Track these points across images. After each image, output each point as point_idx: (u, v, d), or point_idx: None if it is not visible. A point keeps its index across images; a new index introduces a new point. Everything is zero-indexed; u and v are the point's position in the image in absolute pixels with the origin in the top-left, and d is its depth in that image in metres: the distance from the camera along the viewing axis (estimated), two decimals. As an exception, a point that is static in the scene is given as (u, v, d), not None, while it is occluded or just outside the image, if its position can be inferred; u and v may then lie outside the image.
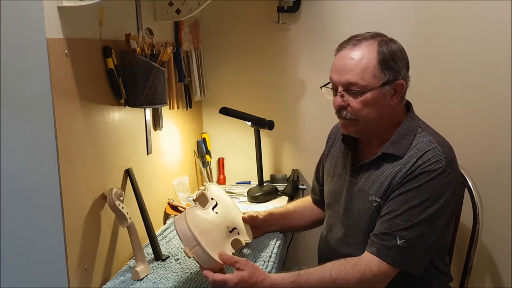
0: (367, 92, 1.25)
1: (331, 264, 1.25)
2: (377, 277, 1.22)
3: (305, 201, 1.68)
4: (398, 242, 1.21)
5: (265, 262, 1.43)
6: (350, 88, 1.26)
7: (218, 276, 1.19)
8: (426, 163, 1.22)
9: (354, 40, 1.28)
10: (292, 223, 1.62)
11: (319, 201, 1.60)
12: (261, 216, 1.55)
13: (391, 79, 1.25)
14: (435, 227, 1.23)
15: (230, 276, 1.19)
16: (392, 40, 1.29)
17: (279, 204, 1.94)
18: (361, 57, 1.25)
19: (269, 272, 1.37)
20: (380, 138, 1.33)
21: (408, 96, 1.35)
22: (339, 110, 1.30)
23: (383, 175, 1.28)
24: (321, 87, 1.36)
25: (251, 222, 1.50)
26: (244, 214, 1.50)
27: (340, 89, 1.28)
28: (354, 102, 1.27)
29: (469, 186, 1.61)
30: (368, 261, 1.24)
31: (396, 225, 1.22)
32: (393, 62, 1.25)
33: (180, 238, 1.21)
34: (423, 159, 1.23)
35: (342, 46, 1.30)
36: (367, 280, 1.22)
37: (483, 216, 1.59)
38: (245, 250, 1.51)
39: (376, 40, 1.26)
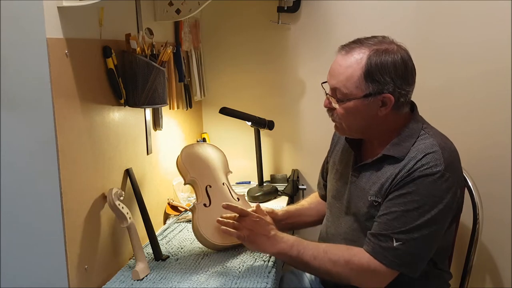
0: (348, 100, 1.27)
1: (335, 247, 1.32)
2: (365, 270, 1.24)
3: (317, 196, 1.69)
4: (394, 244, 1.21)
5: (265, 262, 1.43)
6: (335, 92, 1.30)
7: (246, 211, 1.38)
8: (424, 166, 1.22)
9: (347, 48, 1.28)
10: (308, 220, 1.63)
11: (324, 196, 1.61)
12: (280, 213, 1.56)
13: (375, 92, 1.24)
14: (434, 231, 1.22)
15: (254, 214, 1.37)
16: (390, 51, 1.25)
17: (279, 204, 1.94)
18: (348, 65, 1.25)
19: (269, 272, 1.37)
20: (381, 140, 1.33)
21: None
22: (328, 111, 1.35)
23: (384, 176, 1.29)
24: (322, 84, 1.38)
25: (271, 217, 1.49)
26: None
27: (328, 91, 1.33)
28: (338, 107, 1.30)
29: (469, 186, 1.61)
30: (362, 254, 1.26)
31: (394, 227, 1.22)
32: (379, 75, 1.23)
33: None
34: (422, 161, 1.23)
35: (339, 49, 1.31)
36: (355, 269, 1.25)
37: (483, 216, 1.59)
38: (244, 251, 1.52)
39: (370, 50, 1.25)
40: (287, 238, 1.33)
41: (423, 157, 1.23)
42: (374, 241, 1.25)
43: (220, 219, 1.39)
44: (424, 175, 1.21)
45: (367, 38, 1.29)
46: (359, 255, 1.26)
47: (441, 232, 1.24)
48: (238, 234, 1.35)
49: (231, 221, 1.38)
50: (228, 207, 1.37)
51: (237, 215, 1.39)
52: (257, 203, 1.49)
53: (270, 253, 1.37)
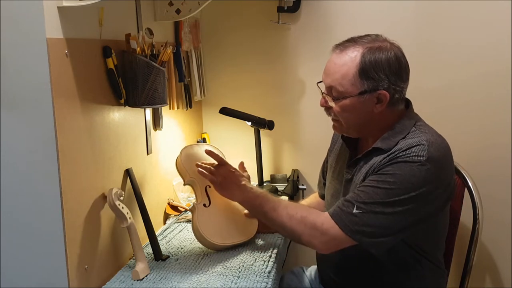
0: (344, 98, 1.28)
1: (297, 204, 1.39)
2: (317, 228, 1.26)
3: (317, 196, 1.70)
4: (354, 211, 1.23)
5: (265, 262, 1.43)
6: (331, 91, 1.31)
7: (225, 160, 1.45)
8: (407, 155, 1.23)
9: (342, 46, 1.30)
10: None
11: (324, 196, 1.61)
12: None
13: (370, 89, 1.26)
14: (398, 213, 1.22)
15: (231, 166, 1.44)
16: (383, 48, 1.26)
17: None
18: (343, 63, 1.27)
19: (269, 272, 1.37)
20: (375, 137, 1.34)
21: (408, 93, 1.35)
22: (325, 110, 1.37)
23: (369, 165, 1.31)
24: (317, 83, 1.39)
25: None
26: None
27: (324, 90, 1.34)
28: (334, 105, 1.31)
29: (469, 186, 1.61)
30: (321, 215, 1.29)
31: (358, 197, 1.24)
32: (373, 72, 1.25)
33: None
34: (406, 152, 1.24)
35: (334, 48, 1.33)
36: (308, 226, 1.28)
37: (483, 216, 1.59)
38: (244, 251, 1.52)
39: (364, 48, 1.26)
40: (256, 190, 1.41)
41: (408, 149, 1.25)
42: (338, 204, 1.27)
43: (199, 163, 1.46)
44: (404, 161, 1.23)
45: (360, 37, 1.30)
46: (317, 213, 1.30)
47: (406, 218, 1.23)
48: (212, 178, 1.44)
49: (208, 166, 1.45)
50: (209, 153, 1.45)
51: (216, 163, 1.46)
52: (241, 161, 1.56)
53: (237, 200, 1.44)
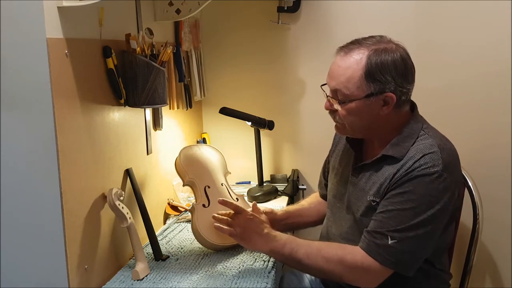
0: (350, 101, 1.27)
1: (329, 245, 1.32)
2: (358, 268, 1.24)
3: (318, 196, 1.69)
4: (389, 242, 1.21)
5: (265, 262, 1.43)
6: (336, 94, 1.29)
7: (241, 208, 1.37)
8: (422, 166, 1.22)
9: (346, 49, 1.28)
10: (308, 220, 1.63)
11: (325, 196, 1.61)
12: (279, 213, 1.56)
13: (376, 91, 1.24)
14: (430, 231, 1.22)
15: (248, 212, 1.36)
16: (389, 50, 1.25)
17: (279, 204, 1.94)
18: (348, 66, 1.25)
19: (269, 272, 1.37)
20: (381, 140, 1.33)
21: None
22: (330, 113, 1.34)
23: (383, 176, 1.29)
24: (321, 86, 1.38)
25: (271, 217, 1.50)
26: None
27: (329, 93, 1.32)
28: (340, 109, 1.30)
29: (469, 186, 1.61)
30: (357, 252, 1.26)
31: (389, 226, 1.22)
32: (380, 75, 1.23)
33: None
34: (420, 162, 1.23)
35: (338, 50, 1.31)
36: (348, 266, 1.25)
37: (483, 216, 1.59)
38: (244, 251, 1.52)
39: (369, 50, 1.25)
40: (280, 237, 1.33)
41: (421, 157, 1.23)
42: (369, 238, 1.25)
43: (215, 215, 1.39)
44: (421, 175, 1.21)
45: (365, 38, 1.29)
46: (353, 252, 1.26)
47: (437, 232, 1.24)
48: (230, 231, 1.35)
49: (225, 217, 1.38)
50: (223, 203, 1.38)
51: (232, 211, 1.39)
52: (254, 202, 1.50)
53: (263, 251, 1.36)
